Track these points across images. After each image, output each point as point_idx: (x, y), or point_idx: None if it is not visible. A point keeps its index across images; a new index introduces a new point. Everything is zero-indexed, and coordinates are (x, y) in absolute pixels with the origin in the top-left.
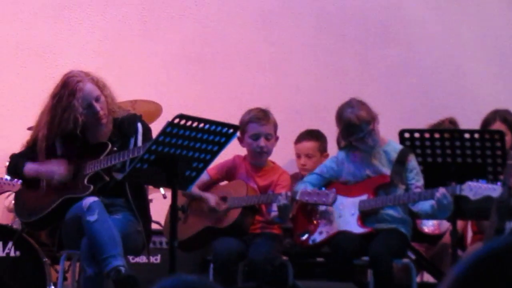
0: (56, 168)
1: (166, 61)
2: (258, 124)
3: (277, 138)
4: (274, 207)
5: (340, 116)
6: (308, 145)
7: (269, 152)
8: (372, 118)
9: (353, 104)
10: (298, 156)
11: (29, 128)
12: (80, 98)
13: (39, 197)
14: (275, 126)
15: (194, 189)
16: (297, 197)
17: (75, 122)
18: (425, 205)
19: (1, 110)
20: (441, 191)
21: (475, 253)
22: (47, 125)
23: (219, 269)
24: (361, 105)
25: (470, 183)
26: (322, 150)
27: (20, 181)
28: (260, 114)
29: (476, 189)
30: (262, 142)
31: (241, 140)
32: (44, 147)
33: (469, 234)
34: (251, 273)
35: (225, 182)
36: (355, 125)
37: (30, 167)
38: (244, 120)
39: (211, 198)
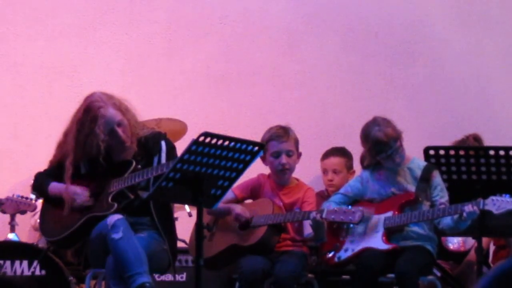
0: (80, 192)
1: (191, 80)
2: (278, 142)
3: (299, 154)
4: (307, 229)
5: (367, 135)
6: (335, 161)
7: (291, 169)
8: (398, 135)
9: (379, 122)
10: (325, 172)
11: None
12: (101, 124)
13: (64, 215)
14: (296, 143)
15: (219, 204)
16: (324, 216)
17: (97, 149)
18: (447, 219)
19: (27, 129)
20: (470, 207)
21: (499, 266)
22: (73, 150)
23: (245, 287)
24: (387, 123)
25: (493, 197)
26: (349, 167)
27: (38, 200)
28: (279, 132)
29: (499, 203)
30: (283, 159)
31: (263, 159)
32: (71, 174)
33: (493, 250)
34: None
35: (250, 201)
36: (384, 143)
37: (54, 186)
38: (264, 139)
39: (236, 207)
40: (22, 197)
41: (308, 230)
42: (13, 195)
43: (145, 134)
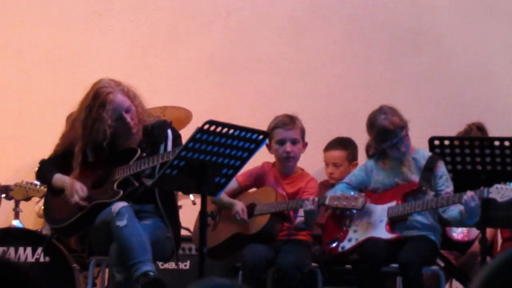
0: (79, 189)
1: (196, 68)
2: (283, 129)
3: (305, 144)
4: (301, 213)
5: (373, 123)
6: (336, 154)
7: (296, 157)
8: (404, 124)
9: (385, 110)
10: (326, 164)
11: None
12: (110, 110)
13: (68, 203)
14: (302, 132)
15: (223, 195)
16: (327, 202)
17: (104, 134)
18: (454, 211)
19: (31, 116)
20: (469, 194)
21: (503, 254)
22: (81, 137)
23: (248, 276)
24: (393, 111)
25: (497, 185)
26: (351, 159)
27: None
28: (286, 120)
29: (503, 191)
30: (288, 147)
31: (269, 147)
32: (80, 160)
33: (499, 241)
34: (280, 280)
35: (253, 189)
36: (390, 131)
37: (58, 179)
38: (270, 127)
39: (238, 204)
40: (31, 183)
41: (300, 215)
42: (22, 181)
43: (151, 122)
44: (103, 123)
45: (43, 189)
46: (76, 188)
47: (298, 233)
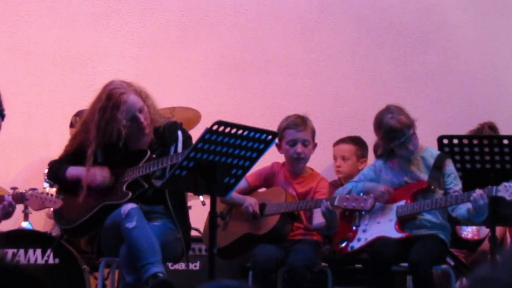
0: (99, 172)
1: (205, 68)
2: (295, 130)
3: (315, 145)
4: (317, 218)
5: (380, 123)
6: (345, 147)
7: (306, 158)
8: (411, 123)
9: (392, 109)
10: (335, 158)
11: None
12: (124, 111)
13: (77, 204)
14: (313, 133)
15: (234, 194)
16: (336, 203)
17: (118, 135)
18: (462, 210)
19: (41, 118)
20: (478, 192)
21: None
22: (95, 139)
23: (259, 276)
24: (400, 110)
25: (505, 183)
26: (360, 155)
27: (60, 196)
28: (297, 120)
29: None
30: (299, 148)
31: (279, 147)
32: (92, 162)
33: (508, 239)
34: (291, 280)
35: (263, 189)
36: (397, 130)
37: (73, 169)
38: (281, 127)
39: (248, 199)
40: (47, 193)
41: (317, 219)
42: (36, 191)
43: (162, 124)
44: (118, 124)
45: (59, 200)
46: (95, 171)
47: (309, 233)
